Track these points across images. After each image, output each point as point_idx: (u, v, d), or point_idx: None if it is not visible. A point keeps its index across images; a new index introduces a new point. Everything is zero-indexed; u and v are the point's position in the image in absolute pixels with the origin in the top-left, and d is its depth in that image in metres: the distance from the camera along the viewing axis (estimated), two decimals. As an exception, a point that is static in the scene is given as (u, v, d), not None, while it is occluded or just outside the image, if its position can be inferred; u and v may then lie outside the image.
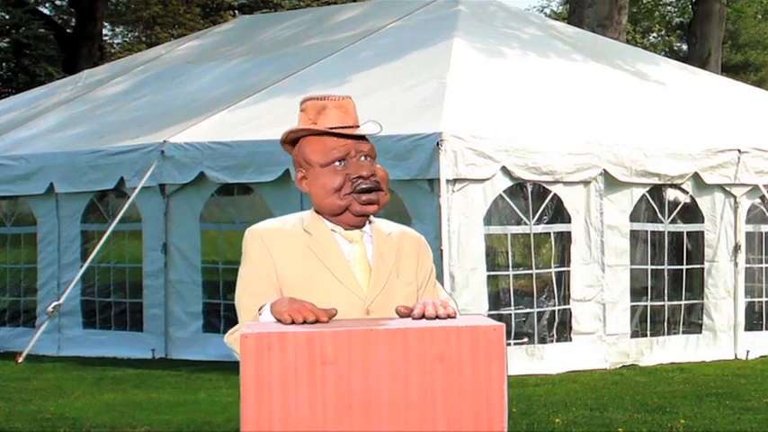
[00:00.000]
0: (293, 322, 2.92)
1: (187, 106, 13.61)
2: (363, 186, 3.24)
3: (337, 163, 3.26)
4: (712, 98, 14.34)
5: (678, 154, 11.79)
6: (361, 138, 3.31)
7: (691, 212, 12.07)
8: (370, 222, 3.35)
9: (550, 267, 11.35)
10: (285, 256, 3.24)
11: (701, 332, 12.06)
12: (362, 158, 3.27)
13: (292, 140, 3.38)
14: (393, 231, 3.38)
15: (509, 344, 10.75)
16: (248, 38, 16.43)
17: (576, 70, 13.76)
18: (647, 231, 11.87)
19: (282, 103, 12.67)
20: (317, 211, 3.33)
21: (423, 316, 2.97)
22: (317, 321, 2.94)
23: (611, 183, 11.45)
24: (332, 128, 3.27)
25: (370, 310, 3.23)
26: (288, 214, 3.42)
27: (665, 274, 11.94)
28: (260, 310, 3.14)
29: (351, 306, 3.21)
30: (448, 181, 10.58)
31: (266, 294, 3.19)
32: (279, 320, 2.99)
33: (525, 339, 11.15)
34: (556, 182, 11.21)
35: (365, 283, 3.26)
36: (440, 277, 10.20)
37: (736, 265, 12.14)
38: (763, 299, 12.57)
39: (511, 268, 11.19)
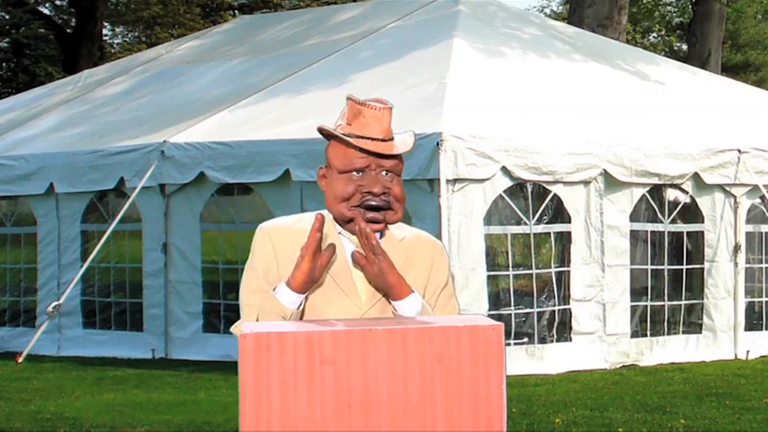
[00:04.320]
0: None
1: (187, 106, 13.60)
2: (371, 203, 3.19)
3: (355, 173, 3.20)
4: (712, 98, 14.33)
5: (678, 154, 11.79)
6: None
7: (691, 212, 12.07)
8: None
9: (550, 267, 11.35)
10: (289, 255, 3.19)
11: (701, 332, 12.06)
12: (383, 173, 3.23)
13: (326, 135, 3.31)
14: (406, 237, 3.32)
15: (509, 344, 10.75)
16: (248, 38, 16.43)
17: (576, 70, 13.76)
18: (647, 231, 11.88)
19: (282, 103, 12.68)
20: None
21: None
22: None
23: (611, 183, 11.45)
24: (358, 136, 3.20)
25: (365, 317, 3.19)
26: (303, 213, 3.37)
27: (665, 274, 11.94)
28: (274, 290, 3.13)
29: (346, 312, 3.17)
30: (448, 181, 10.58)
31: (265, 292, 3.17)
32: (294, 286, 3.10)
33: (525, 339, 11.15)
34: (556, 182, 11.21)
35: (364, 290, 3.22)
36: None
37: (736, 265, 12.14)
38: (763, 299, 12.57)
39: (511, 268, 11.19)
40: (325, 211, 3.30)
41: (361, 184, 3.20)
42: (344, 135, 3.21)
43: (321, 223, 3.06)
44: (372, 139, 3.21)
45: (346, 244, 3.25)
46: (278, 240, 3.23)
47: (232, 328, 3.25)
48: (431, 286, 3.28)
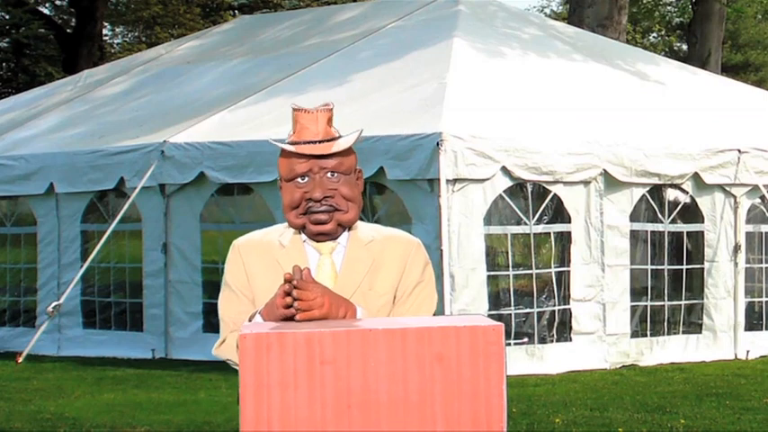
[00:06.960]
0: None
1: (187, 106, 13.60)
2: (313, 211, 3.19)
3: (299, 179, 3.21)
4: (712, 98, 14.33)
5: (678, 154, 11.79)
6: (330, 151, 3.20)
7: (691, 212, 12.07)
8: (350, 230, 3.28)
9: (550, 267, 11.35)
10: (258, 269, 3.27)
11: (701, 332, 12.06)
12: (328, 175, 3.20)
13: None
14: (376, 238, 3.28)
15: (509, 344, 10.75)
16: (248, 38, 16.43)
17: (576, 70, 13.76)
18: (647, 231, 11.87)
19: (282, 103, 12.65)
20: None
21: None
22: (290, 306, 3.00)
23: (611, 183, 11.45)
24: (295, 142, 3.22)
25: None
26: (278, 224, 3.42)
27: (665, 274, 11.94)
28: (251, 319, 3.17)
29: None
30: (448, 181, 10.58)
31: (241, 306, 3.26)
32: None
33: (525, 339, 11.15)
34: (556, 182, 11.21)
35: None
36: (439, 277, 10.20)
37: (736, 265, 12.14)
38: (763, 299, 12.57)
39: (511, 268, 11.19)
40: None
41: (306, 191, 3.20)
42: (280, 143, 3.25)
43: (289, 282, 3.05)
44: (309, 142, 3.21)
45: (310, 251, 3.27)
46: (247, 256, 3.29)
47: (214, 350, 3.38)
48: (402, 285, 3.27)
